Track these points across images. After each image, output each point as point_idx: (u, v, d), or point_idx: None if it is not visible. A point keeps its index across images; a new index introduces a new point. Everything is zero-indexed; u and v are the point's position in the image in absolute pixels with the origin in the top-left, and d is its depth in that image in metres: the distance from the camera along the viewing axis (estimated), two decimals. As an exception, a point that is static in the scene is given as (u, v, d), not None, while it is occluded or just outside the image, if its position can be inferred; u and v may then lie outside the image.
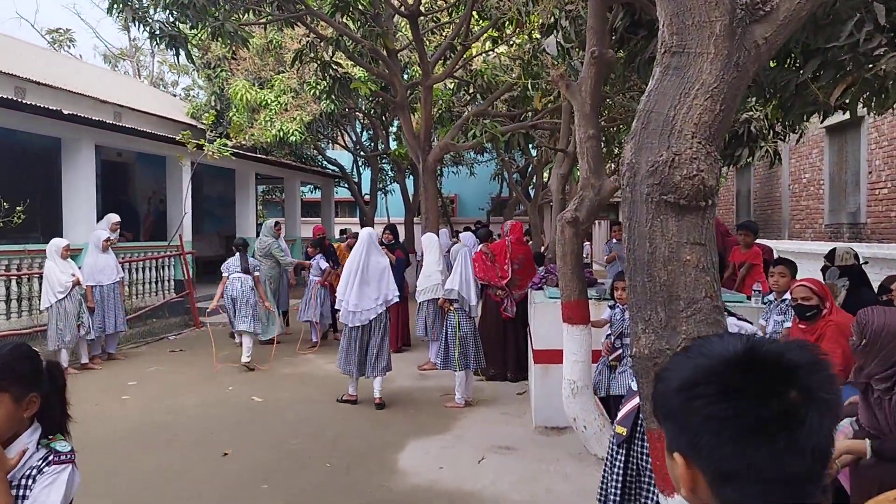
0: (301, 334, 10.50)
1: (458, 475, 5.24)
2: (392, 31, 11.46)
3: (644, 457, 3.08)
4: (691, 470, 1.00)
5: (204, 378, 8.45)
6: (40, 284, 8.96)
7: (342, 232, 16.79)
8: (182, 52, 9.40)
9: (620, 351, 5.26)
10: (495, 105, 12.52)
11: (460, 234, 10.27)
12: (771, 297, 6.04)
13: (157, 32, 9.10)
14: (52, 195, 10.97)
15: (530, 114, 11.98)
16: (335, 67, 11.08)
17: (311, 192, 24.38)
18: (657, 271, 2.02)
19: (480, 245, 9.04)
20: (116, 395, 7.64)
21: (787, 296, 5.74)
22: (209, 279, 14.31)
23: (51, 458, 1.91)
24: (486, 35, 11.36)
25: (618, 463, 3.23)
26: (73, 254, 9.31)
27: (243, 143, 16.36)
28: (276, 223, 11.20)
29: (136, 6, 9.08)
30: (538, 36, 9.04)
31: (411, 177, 19.61)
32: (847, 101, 4.60)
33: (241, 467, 5.39)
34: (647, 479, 3.13)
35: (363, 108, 17.64)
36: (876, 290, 5.52)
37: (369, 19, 10.44)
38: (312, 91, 15.29)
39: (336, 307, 7.61)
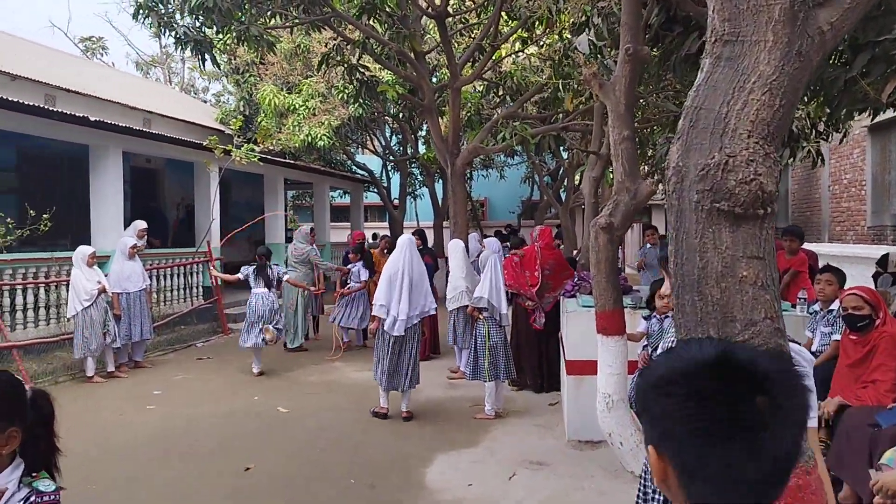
0: (334, 341, 10.34)
1: (488, 492, 5.01)
2: (419, 33, 11.30)
3: None
4: (662, 462, 1.04)
5: (230, 387, 8.33)
6: (68, 292, 8.93)
7: (374, 237, 16.67)
8: (207, 57, 9.34)
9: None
10: (525, 107, 12.28)
11: (485, 240, 10.01)
12: (816, 306, 5.72)
13: (182, 37, 9.03)
14: (82, 202, 10.98)
15: (561, 116, 11.72)
16: (362, 71, 10.94)
17: (341, 196, 24.33)
18: (709, 289, 1.78)
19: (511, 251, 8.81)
20: (141, 404, 7.54)
21: (834, 305, 5.43)
22: (238, 286, 14.24)
23: (32, 498, 1.72)
24: (515, 35, 11.14)
25: (657, 497, 2.88)
26: (99, 261, 9.27)
27: (271, 148, 16.30)
28: (312, 230, 11.14)
29: (162, 12, 9.03)
30: (569, 35, 8.79)
31: (440, 181, 19.42)
32: (901, 97, 4.30)
33: (261, 481, 5.22)
34: None
35: (391, 112, 17.50)
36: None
37: (396, 21, 10.29)
38: (340, 95, 15.18)
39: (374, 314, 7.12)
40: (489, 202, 27.75)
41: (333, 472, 5.43)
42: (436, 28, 11.42)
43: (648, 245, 11.56)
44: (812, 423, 1.80)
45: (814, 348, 5.48)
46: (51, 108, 9.79)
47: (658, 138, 9.03)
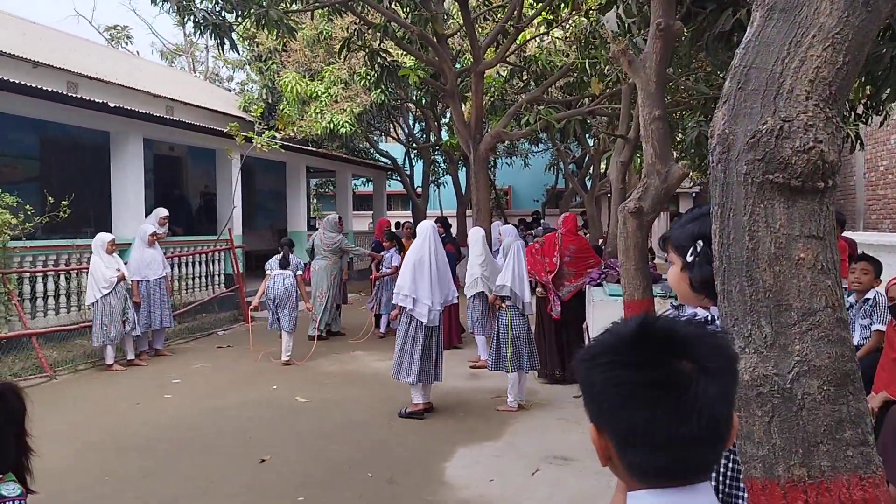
0: (366, 326, 10.46)
1: (510, 489, 4.81)
2: (442, 15, 11.04)
3: None
4: (603, 439, 1.07)
5: (249, 376, 8.21)
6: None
7: (398, 225, 16.49)
8: (227, 42, 9.19)
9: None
10: (549, 92, 11.98)
11: (500, 228, 9.82)
12: (851, 298, 5.41)
13: (201, 21, 8.88)
14: (104, 190, 10.93)
15: (587, 101, 11.42)
16: (383, 56, 10.73)
17: (364, 185, 24.17)
18: (760, 273, 1.55)
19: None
20: (159, 393, 7.45)
21: (870, 294, 5.15)
22: (261, 274, 14.16)
23: (-6, 503, 1.56)
24: (539, 18, 10.85)
25: None
26: (120, 248, 9.21)
27: (293, 135, 16.16)
28: (340, 218, 11.16)
29: (181, -5, 8.88)
30: (595, 13, 8.50)
31: (464, 168, 19.17)
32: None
33: (277, 476, 5.07)
34: None
35: (414, 98, 17.27)
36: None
37: (418, 4, 10.05)
38: (362, 82, 15.00)
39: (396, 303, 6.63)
40: (513, 191, 27.41)
41: (351, 466, 5.26)
42: (458, 11, 11.17)
43: (677, 233, 11.26)
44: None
45: (854, 342, 5.20)
46: (74, 95, 9.72)
47: (688, 122, 8.71)
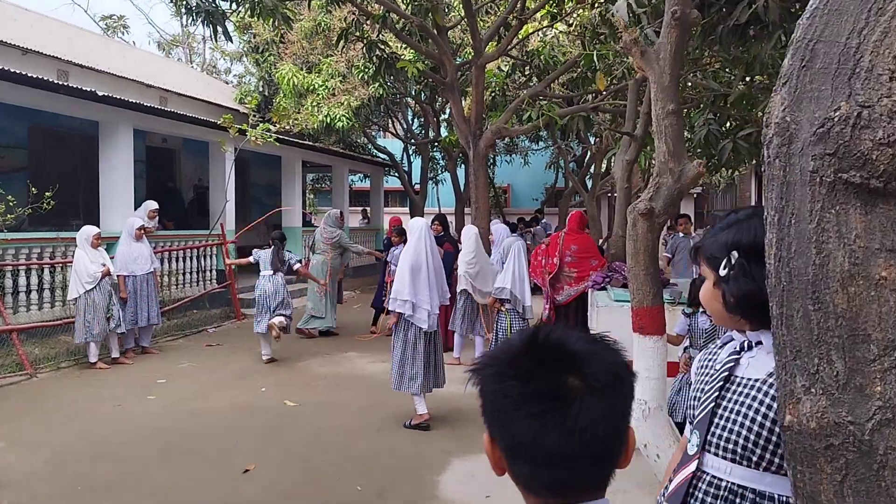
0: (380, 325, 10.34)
1: (508, 506, 4.52)
2: (442, 6, 10.73)
3: None
4: (495, 449, 1.07)
5: (237, 376, 7.92)
6: (72, 274, 8.56)
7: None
8: (220, 29, 8.87)
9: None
10: (552, 88, 11.67)
11: (492, 227, 9.54)
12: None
13: (194, 8, 8.57)
14: (94, 181, 10.61)
15: (591, 97, 11.11)
16: (382, 47, 10.41)
17: (361, 180, 23.84)
18: (831, 295, 1.26)
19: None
20: (142, 394, 7.14)
21: None
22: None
23: None
24: (543, 11, 10.54)
25: None
26: (107, 242, 8.90)
27: (288, 128, 15.82)
28: (341, 213, 10.96)
29: (173, -20, 8.57)
30: (601, 6, 8.18)
31: (463, 166, 18.86)
32: None
33: (260, 487, 4.77)
34: None
35: (413, 93, 16.95)
36: None
37: (418, -6, 9.75)
38: (361, 75, 14.67)
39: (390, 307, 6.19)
40: (512, 189, 27.08)
41: (340, 477, 4.97)
42: (460, 3, 10.85)
43: (681, 235, 10.93)
44: None
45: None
46: (61, 83, 9.39)
47: (697, 120, 8.40)
